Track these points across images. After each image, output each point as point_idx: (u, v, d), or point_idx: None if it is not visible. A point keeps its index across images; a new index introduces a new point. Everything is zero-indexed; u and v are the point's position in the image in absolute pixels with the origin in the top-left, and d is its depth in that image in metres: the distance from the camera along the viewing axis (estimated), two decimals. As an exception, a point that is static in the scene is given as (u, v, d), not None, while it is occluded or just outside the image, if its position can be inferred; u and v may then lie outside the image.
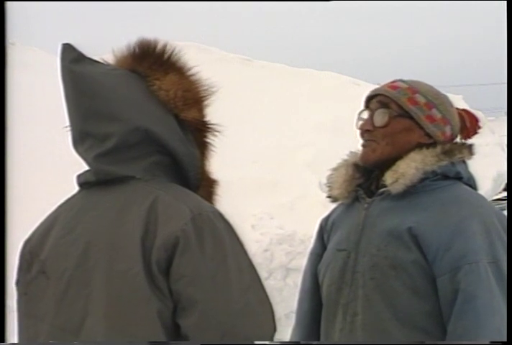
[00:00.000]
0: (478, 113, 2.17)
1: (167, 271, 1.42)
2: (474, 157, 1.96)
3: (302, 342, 2.09)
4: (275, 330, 1.47)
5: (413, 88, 1.92)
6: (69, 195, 1.63)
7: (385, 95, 1.91)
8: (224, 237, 1.45)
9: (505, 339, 1.73)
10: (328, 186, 2.02)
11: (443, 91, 1.99)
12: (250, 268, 1.48)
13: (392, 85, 1.94)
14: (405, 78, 1.97)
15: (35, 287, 1.55)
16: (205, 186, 1.59)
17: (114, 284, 1.43)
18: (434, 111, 1.90)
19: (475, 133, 2.00)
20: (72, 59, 1.54)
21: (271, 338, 1.46)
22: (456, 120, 1.95)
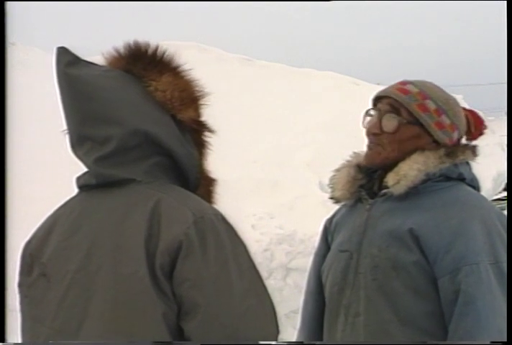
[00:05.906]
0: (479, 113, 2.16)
1: (170, 274, 1.41)
2: (475, 157, 1.95)
3: (305, 342, 2.09)
4: (278, 332, 1.47)
5: (423, 93, 1.88)
6: (68, 198, 1.62)
7: (395, 100, 1.88)
8: (225, 240, 1.44)
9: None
10: (331, 187, 2.02)
11: (443, 91, 1.97)
12: (252, 270, 1.47)
13: (403, 89, 1.90)
14: (404, 78, 1.95)
15: (36, 290, 1.54)
16: (204, 185, 1.58)
17: (119, 287, 1.42)
18: (444, 118, 1.88)
19: (481, 134, 1.97)
20: (68, 62, 1.54)
21: (275, 340, 1.46)
22: (463, 124, 1.93)
